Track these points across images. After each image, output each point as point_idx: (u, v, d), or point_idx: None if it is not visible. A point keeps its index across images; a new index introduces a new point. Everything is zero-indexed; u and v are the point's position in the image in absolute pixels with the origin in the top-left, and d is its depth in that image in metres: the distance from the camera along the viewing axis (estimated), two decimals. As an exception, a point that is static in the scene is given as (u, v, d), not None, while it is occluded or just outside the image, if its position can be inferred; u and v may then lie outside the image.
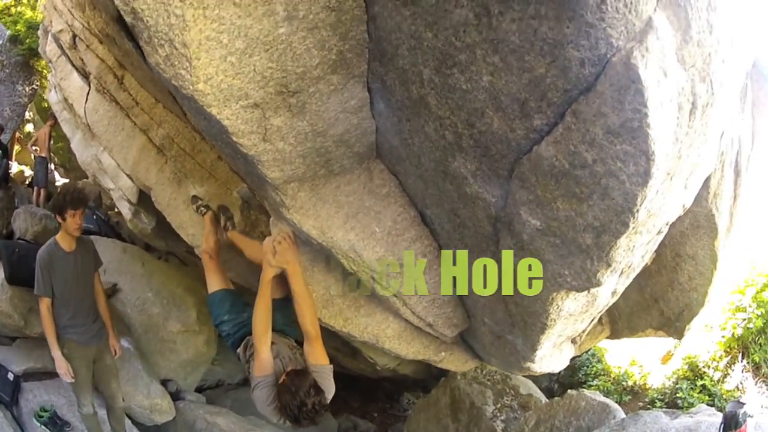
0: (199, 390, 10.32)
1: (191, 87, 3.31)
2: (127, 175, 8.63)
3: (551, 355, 5.32)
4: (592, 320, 5.07)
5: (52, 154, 18.48)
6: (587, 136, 2.60)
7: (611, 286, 4.13)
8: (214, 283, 6.00)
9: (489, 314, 4.83)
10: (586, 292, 3.76)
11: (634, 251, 3.27)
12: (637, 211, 2.73)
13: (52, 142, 17.50)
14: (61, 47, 9.92)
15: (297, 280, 4.67)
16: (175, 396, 9.31)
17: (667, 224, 3.88)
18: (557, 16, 2.36)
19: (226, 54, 3.28)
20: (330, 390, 4.87)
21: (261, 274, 5.02)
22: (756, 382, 11.28)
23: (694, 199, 4.15)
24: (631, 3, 2.29)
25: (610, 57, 2.39)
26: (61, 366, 6.70)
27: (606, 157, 2.60)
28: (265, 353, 4.82)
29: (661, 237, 4.15)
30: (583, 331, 5.40)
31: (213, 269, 6.13)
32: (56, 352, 6.69)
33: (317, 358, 4.91)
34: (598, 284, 3.35)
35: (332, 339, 5.93)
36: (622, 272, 4.11)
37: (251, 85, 3.44)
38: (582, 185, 2.81)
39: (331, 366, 5.01)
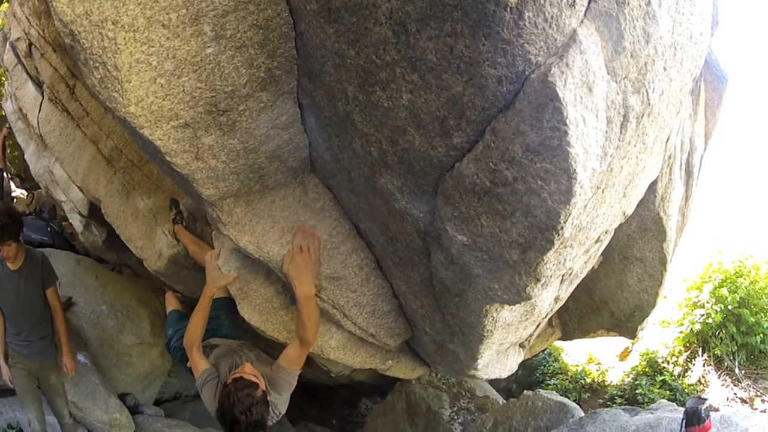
0: (157, 403, 10.21)
1: (123, 109, 3.29)
2: (78, 187, 8.56)
3: (497, 362, 5.29)
4: (538, 325, 5.06)
5: (8, 164, 18.25)
6: (507, 155, 2.56)
7: (552, 294, 4.10)
8: (169, 304, 6.18)
9: (429, 324, 4.81)
10: (521, 303, 3.73)
11: (566, 264, 3.24)
12: (562, 228, 2.69)
13: (8, 151, 17.28)
14: (17, 55, 9.83)
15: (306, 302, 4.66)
16: (134, 410, 9.21)
17: (606, 233, 3.87)
18: (473, 34, 2.31)
19: (156, 76, 3.26)
20: (286, 389, 4.89)
21: (204, 288, 5.01)
22: (719, 376, 11.37)
23: (638, 203, 4.13)
24: (552, 17, 2.24)
25: (529, 74, 2.34)
26: (4, 371, 6.83)
27: (526, 176, 2.56)
28: (195, 354, 4.97)
29: (603, 244, 4.15)
30: (531, 336, 5.39)
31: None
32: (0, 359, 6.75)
33: (292, 362, 4.89)
34: (528, 298, 3.32)
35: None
36: (563, 279, 4.10)
37: (181, 105, 3.42)
38: (504, 203, 2.78)
39: (300, 370, 4.98)
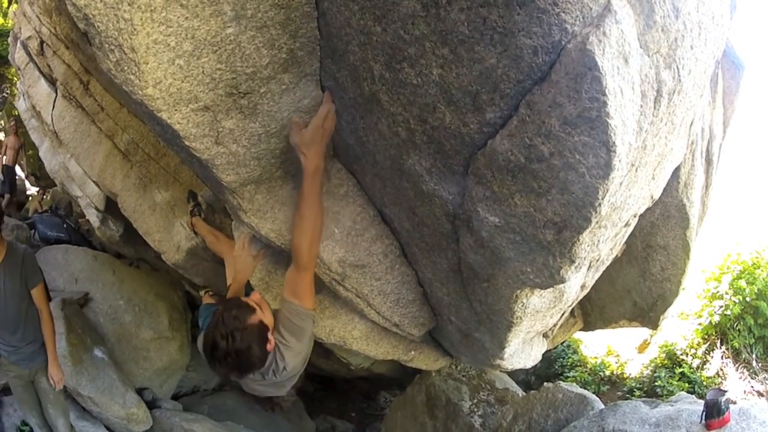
0: (175, 397, 10.29)
1: (140, 92, 3.22)
2: (94, 182, 8.63)
3: (522, 351, 5.26)
4: (563, 314, 5.02)
5: (22, 163, 18.40)
6: (543, 128, 2.50)
7: (579, 280, 4.06)
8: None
9: (455, 313, 4.76)
10: (551, 288, 3.68)
11: (599, 246, 3.19)
12: (599, 205, 2.62)
13: (24, 150, 17.43)
14: (29, 54, 9.95)
15: (309, 187, 4.09)
16: (152, 404, 9.27)
17: (635, 216, 3.83)
18: (507, 3, 2.26)
19: (174, 57, 3.19)
20: (296, 333, 4.27)
21: (235, 282, 4.90)
22: (737, 368, 11.42)
23: (663, 189, 4.10)
24: (588, -14, 2.18)
25: (565, 44, 2.28)
26: None
27: (564, 150, 2.49)
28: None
29: (630, 229, 4.10)
30: (555, 325, 5.36)
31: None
32: None
33: (298, 294, 4.27)
34: (562, 281, 3.25)
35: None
36: (590, 266, 4.05)
37: (200, 87, 3.36)
38: (540, 180, 2.71)
39: (313, 313, 4.43)
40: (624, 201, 3.13)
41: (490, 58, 2.47)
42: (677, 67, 2.78)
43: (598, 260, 4.09)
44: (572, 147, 2.45)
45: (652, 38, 2.55)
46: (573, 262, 3.11)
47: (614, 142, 2.35)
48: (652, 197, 3.88)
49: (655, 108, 2.76)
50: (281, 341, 4.21)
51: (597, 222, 2.81)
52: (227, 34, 3.25)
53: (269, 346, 4.02)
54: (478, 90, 2.63)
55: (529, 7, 2.22)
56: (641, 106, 2.60)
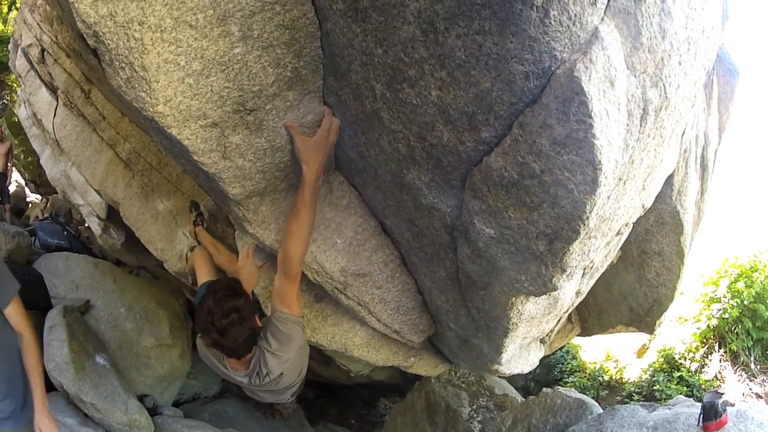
0: (176, 404, 10.24)
1: (151, 109, 3.31)
2: (96, 191, 8.63)
3: (519, 356, 5.34)
4: (559, 320, 5.10)
5: (15, 169, 18.41)
6: (534, 147, 2.62)
7: (573, 287, 4.14)
8: (201, 271, 5.96)
9: (453, 319, 4.86)
10: (545, 295, 3.79)
11: (590, 254, 3.30)
12: (587, 218, 2.75)
13: (22, 157, 17.43)
14: (30, 62, 9.92)
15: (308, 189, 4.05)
16: (153, 411, 9.21)
17: (626, 225, 3.93)
18: (501, 32, 2.37)
19: (184, 76, 3.28)
20: (282, 340, 4.41)
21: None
22: (735, 371, 11.41)
23: (656, 197, 4.18)
24: (576, 15, 2.29)
25: (554, 70, 2.40)
26: None
27: (553, 168, 2.62)
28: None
29: (623, 237, 4.18)
30: (552, 331, 5.43)
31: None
32: None
33: (287, 302, 4.41)
34: (555, 288, 3.38)
35: (306, 348, 5.92)
36: (584, 273, 4.15)
37: (209, 105, 3.45)
38: (531, 195, 2.84)
39: (302, 320, 4.55)
40: (613, 212, 3.24)
41: (485, 82, 2.59)
42: (664, 85, 2.86)
43: (591, 268, 4.18)
44: (561, 165, 2.59)
45: (639, 59, 2.65)
46: (564, 270, 3.24)
47: (600, 161, 2.48)
48: (643, 206, 3.98)
49: (641, 125, 2.86)
50: (266, 348, 4.44)
51: (586, 233, 2.94)
52: (235, 54, 3.34)
53: (257, 322, 4.40)
54: (474, 111, 2.76)
55: (521, 36, 2.34)
56: (627, 124, 2.71)
